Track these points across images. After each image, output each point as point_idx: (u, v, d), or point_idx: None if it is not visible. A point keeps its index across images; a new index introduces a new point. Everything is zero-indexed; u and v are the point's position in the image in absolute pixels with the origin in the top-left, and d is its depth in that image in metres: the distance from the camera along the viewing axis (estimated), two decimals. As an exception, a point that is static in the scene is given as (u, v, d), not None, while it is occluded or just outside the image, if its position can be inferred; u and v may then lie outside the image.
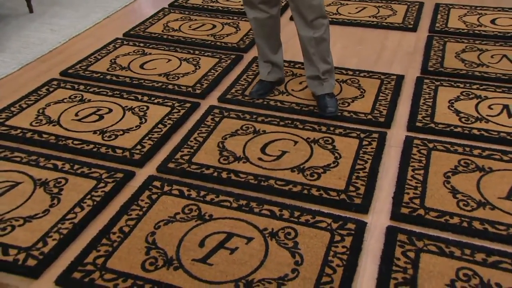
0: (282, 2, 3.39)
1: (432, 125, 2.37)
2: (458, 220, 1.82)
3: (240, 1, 3.93)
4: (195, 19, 3.66)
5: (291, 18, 3.41)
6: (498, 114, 2.46)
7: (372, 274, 1.63)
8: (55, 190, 1.99)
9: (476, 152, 2.19)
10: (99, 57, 3.11)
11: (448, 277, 1.60)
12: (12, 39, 3.32)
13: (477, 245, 1.72)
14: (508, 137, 2.28)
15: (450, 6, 3.76)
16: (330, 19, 3.56)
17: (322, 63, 2.40)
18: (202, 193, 1.97)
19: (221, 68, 2.94)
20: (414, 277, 1.60)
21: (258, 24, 2.46)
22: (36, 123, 2.44)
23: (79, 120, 2.47)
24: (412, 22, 3.52)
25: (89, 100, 2.64)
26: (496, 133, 2.31)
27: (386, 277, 1.60)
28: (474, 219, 1.83)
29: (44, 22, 3.60)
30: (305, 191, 1.97)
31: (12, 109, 2.55)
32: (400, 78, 2.79)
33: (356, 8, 3.80)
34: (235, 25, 3.54)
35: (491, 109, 2.51)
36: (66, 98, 2.65)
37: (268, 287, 1.56)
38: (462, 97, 2.60)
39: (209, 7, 3.87)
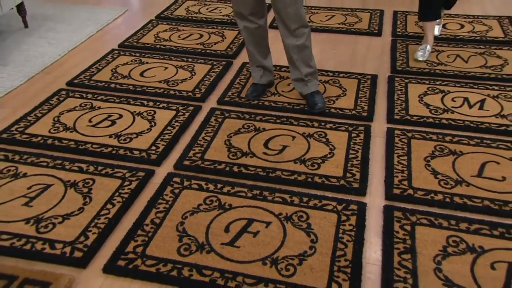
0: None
1: (408, 117, 2.52)
2: (441, 197, 1.97)
3: (221, 12, 4.01)
4: (183, 30, 3.70)
5: (273, 26, 3.52)
6: (461, 106, 2.63)
7: (377, 246, 1.75)
8: (85, 190, 2.02)
9: (447, 138, 2.35)
10: (100, 67, 3.11)
11: (441, 244, 1.74)
12: (13, 53, 3.26)
13: (459, 216, 1.88)
14: (472, 125, 2.45)
15: (406, 13, 3.94)
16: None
17: (305, 67, 2.50)
18: (219, 185, 2.04)
19: (215, 74, 3.01)
20: (413, 246, 1.73)
21: (249, 33, 2.54)
22: (54, 130, 2.44)
23: (93, 126, 2.48)
24: (376, 28, 3.67)
25: (99, 107, 2.65)
26: (461, 122, 2.47)
27: (390, 247, 1.72)
28: (455, 195, 1.98)
29: (40, 36, 3.53)
30: (309, 179, 2.07)
31: (29, 118, 2.53)
32: (374, 77, 2.93)
33: (326, 16, 3.93)
34: (221, 34, 3.60)
35: (454, 101, 2.67)
36: (77, 106, 2.65)
37: (292, 263, 1.66)
38: (429, 92, 2.77)
39: (194, 18, 3.91)
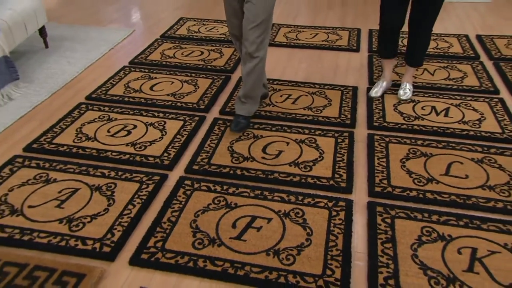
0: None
1: (385, 124, 2.58)
2: (415, 193, 2.04)
3: (218, 31, 4.04)
4: (185, 47, 3.72)
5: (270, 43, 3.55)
6: (429, 113, 2.69)
7: (363, 237, 1.82)
8: (109, 193, 2.05)
9: (419, 142, 2.41)
10: (114, 82, 3.12)
11: (416, 233, 1.81)
12: (37, 71, 3.25)
13: (431, 209, 1.95)
14: (439, 130, 2.52)
15: (381, 30, 4.02)
16: (294, 44, 3.76)
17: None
18: (225, 187, 2.08)
19: (216, 87, 3.04)
20: (393, 236, 1.80)
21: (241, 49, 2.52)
22: (78, 140, 2.46)
23: (112, 135, 2.50)
24: (355, 45, 3.72)
25: (116, 119, 2.67)
26: (430, 128, 2.54)
27: (374, 238, 1.80)
28: (427, 191, 2.05)
29: (60, 55, 3.52)
30: (303, 180, 2.12)
31: (55, 129, 2.55)
32: (355, 89, 2.99)
33: (311, 34, 3.98)
34: (219, 51, 3.63)
35: (424, 110, 2.73)
36: (96, 118, 2.67)
37: (291, 253, 1.72)
38: (402, 102, 2.82)
39: (194, 37, 3.93)
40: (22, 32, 3.17)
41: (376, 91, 2.80)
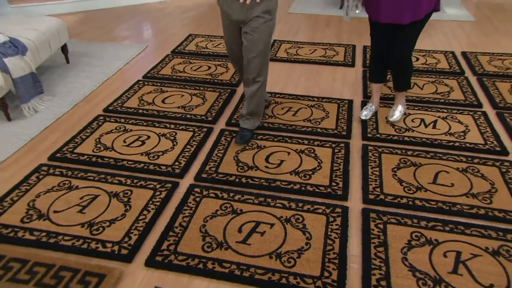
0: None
1: (378, 135, 2.61)
2: (405, 200, 2.08)
3: (224, 47, 4.08)
4: (194, 62, 3.77)
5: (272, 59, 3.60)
6: (419, 125, 2.72)
7: (358, 241, 1.86)
8: (125, 199, 2.10)
9: (409, 152, 2.45)
10: (129, 95, 3.17)
11: (406, 238, 1.85)
12: (59, 85, 3.30)
13: (420, 215, 1.99)
14: (427, 141, 2.55)
15: (374, 46, 4.06)
16: (294, 59, 3.80)
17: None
18: (231, 194, 2.12)
19: (222, 100, 3.08)
20: (385, 240, 1.84)
21: (241, 73, 2.57)
22: (96, 149, 2.50)
23: (128, 145, 2.54)
24: (350, 60, 3.76)
25: (131, 130, 2.71)
26: (419, 139, 2.57)
27: (367, 242, 1.84)
28: (416, 199, 2.09)
29: (80, 70, 3.57)
30: (303, 188, 2.16)
31: (76, 140, 2.59)
32: (350, 102, 3.02)
33: (310, 50, 4.02)
34: (225, 66, 3.68)
35: (413, 122, 2.76)
36: (113, 129, 2.71)
37: (292, 256, 1.76)
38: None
39: (203, 52, 3.97)
40: (46, 50, 3.23)
41: (366, 114, 2.76)
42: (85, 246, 1.82)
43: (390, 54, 2.59)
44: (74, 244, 1.83)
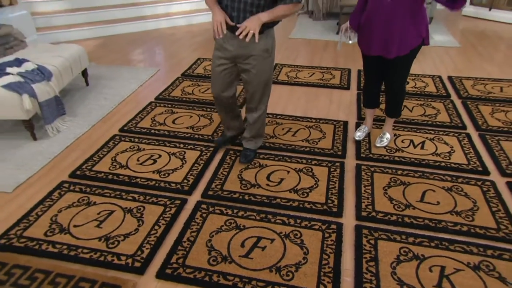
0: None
1: (371, 155, 2.65)
2: (395, 218, 2.11)
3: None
4: (202, 85, 3.83)
5: (276, 82, 3.65)
6: (408, 146, 2.75)
7: (351, 256, 1.89)
8: (138, 215, 2.14)
9: (399, 172, 2.48)
10: (142, 116, 3.23)
11: (395, 253, 1.88)
12: (80, 106, 3.37)
13: (408, 232, 2.01)
14: (416, 161, 2.58)
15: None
16: (294, 82, 3.86)
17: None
18: (235, 211, 2.16)
19: None
20: (376, 256, 1.87)
21: (220, 106, 2.51)
22: (113, 167, 2.55)
23: (141, 164, 2.59)
24: (346, 83, 3.82)
25: (144, 149, 2.76)
26: (408, 159, 2.60)
27: (359, 257, 1.87)
28: (405, 216, 2.12)
29: (98, 92, 3.65)
30: (301, 205, 2.19)
31: (94, 158, 2.65)
32: (345, 123, 3.06)
33: (308, 73, 4.08)
34: None
35: (403, 142, 2.80)
36: (128, 148, 2.76)
37: (291, 270, 1.80)
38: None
39: (210, 75, 4.00)
40: (69, 75, 3.31)
41: (359, 135, 2.80)
42: (102, 258, 1.86)
43: (382, 83, 2.65)
44: (92, 257, 1.87)
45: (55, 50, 3.40)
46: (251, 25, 1.97)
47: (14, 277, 1.76)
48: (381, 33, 2.32)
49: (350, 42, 2.55)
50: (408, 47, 2.32)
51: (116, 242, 1.96)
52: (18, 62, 2.98)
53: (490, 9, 5.70)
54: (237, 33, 1.99)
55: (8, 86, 2.68)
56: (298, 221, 2.08)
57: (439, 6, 6.19)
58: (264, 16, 2.03)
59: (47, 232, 2.04)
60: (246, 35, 1.97)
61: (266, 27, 2.14)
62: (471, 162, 2.56)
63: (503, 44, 4.86)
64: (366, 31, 2.41)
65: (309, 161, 2.60)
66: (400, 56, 2.36)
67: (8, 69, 2.84)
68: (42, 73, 2.91)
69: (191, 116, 3.23)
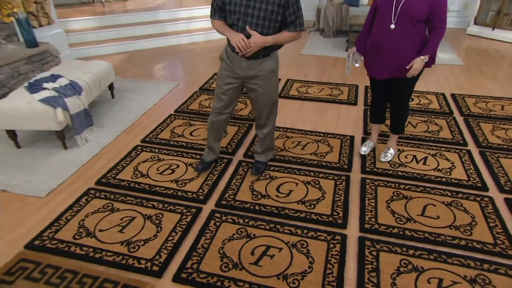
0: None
1: (375, 169, 2.66)
2: (397, 230, 2.12)
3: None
4: (218, 99, 3.90)
5: (283, 96, 3.70)
6: (411, 161, 2.76)
7: (354, 266, 1.91)
8: (157, 222, 2.20)
9: (402, 186, 2.49)
10: (163, 128, 3.29)
11: (396, 265, 1.89)
12: (106, 118, 3.48)
13: (408, 244, 2.02)
14: (418, 176, 2.58)
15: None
16: (304, 97, 3.90)
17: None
18: (246, 220, 2.20)
19: (241, 133, 3.17)
20: (378, 266, 1.89)
21: (213, 123, 2.51)
22: (135, 176, 2.62)
23: (160, 173, 2.65)
24: (353, 99, 3.84)
25: (163, 159, 2.82)
26: (411, 174, 2.61)
27: (362, 267, 1.89)
28: (406, 229, 2.12)
29: (122, 105, 3.75)
30: (308, 216, 2.22)
31: (118, 167, 2.72)
32: (352, 138, 3.07)
33: (318, 89, 4.11)
34: (244, 102, 3.75)
35: (406, 158, 2.80)
36: (148, 159, 2.83)
37: (297, 278, 1.83)
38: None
39: None
40: (97, 89, 3.43)
41: (365, 150, 2.83)
42: (123, 261, 1.93)
43: (387, 102, 2.67)
44: (115, 260, 1.94)
45: (86, 67, 3.53)
46: (258, 43, 2.05)
47: (46, 276, 1.84)
48: (385, 57, 2.35)
49: (357, 65, 2.59)
50: (407, 70, 2.34)
51: (136, 247, 2.02)
52: (53, 78, 3.11)
53: (493, 29, 5.65)
54: (243, 49, 2.06)
55: (44, 100, 2.80)
56: (305, 231, 2.11)
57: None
58: (270, 40, 2.09)
59: (75, 235, 2.12)
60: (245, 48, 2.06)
61: (272, 50, 2.20)
62: (471, 178, 2.56)
63: (505, 63, 4.82)
64: (371, 56, 2.45)
65: (317, 174, 2.63)
66: (403, 78, 2.38)
67: (45, 85, 2.97)
68: (74, 88, 3.03)
69: (207, 129, 3.27)
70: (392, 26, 2.25)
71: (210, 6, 2.75)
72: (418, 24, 2.20)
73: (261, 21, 2.04)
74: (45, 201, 2.42)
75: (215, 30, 2.23)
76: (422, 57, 2.25)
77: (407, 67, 2.30)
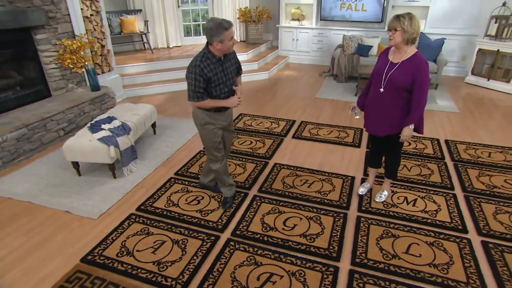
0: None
1: (370, 208, 2.75)
2: (383, 266, 2.20)
3: (264, 125, 4.40)
4: (241, 137, 4.03)
5: (295, 137, 3.88)
6: (402, 202, 2.83)
7: (342, 296, 2.03)
8: (183, 246, 2.40)
9: (391, 225, 2.57)
10: (193, 163, 3.52)
11: (379, 298, 2.00)
12: (147, 152, 3.78)
13: (391, 279, 2.10)
14: (407, 217, 2.64)
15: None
16: (315, 138, 4.02)
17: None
18: (255, 249, 2.35)
19: (258, 170, 3.37)
20: (362, 298, 2.00)
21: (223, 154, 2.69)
22: (167, 205, 2.85)
23: (188, 203, 2.87)
24: (357, 142, 3.92)
25: (191, 191, 3.05)
26: (401, 214, 2.68)
27: (349, 298, 2.01)
28: (391, 265, 2.21)
29: (162, 140, 4.04)
30: (308, 249, 2.34)
31: (154, 196, 2.97)
32: (353, 178, 3.19)
33: (327, 131, 4.22)
34: (262, 141, 3.95)
35: (398, 199, 2.87)
36: (179, 190, 3.06)
37: (293, 303, 1.97)
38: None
39: (248, 129, 4.23)
40: (142, 128, 3.78)
41: (363, 191, 2.92)
42: (154, 279, 2.14)
43: (382, 152, 2.81)
44: (147, 277, 2.15)
45: (134, 109, 3.90)
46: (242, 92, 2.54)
47: (95, 286, 2.08)
48: (377, 116, 2.53)
49: (357, 117, 2.76)
50: (396, 127, 2.47)
51: (165, 267, 2.23)
52: (109, 120, 3.48)
53: (488, 80, 5.66)
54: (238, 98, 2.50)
55: (101, 139, 3.15)
56: (304, 262, 2.23)
57: (444, 73, 6.23)
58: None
59: (118, 253, 2.36)
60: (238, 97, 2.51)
61: None
62: (454, 221, 2.61)
63: (497, 112, 4.80)
64: (366, 113, 2.63)
65: (319, 210, 2.75)
66: (392, 134, 2.53)
67: (102, 126, 3.34)
68: (124, 129, 3.38)
69: (229, 165, 3.49)
70: (381, 89, 2.43)
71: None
72: (402, 92, 2.37)
73: (232, 79, 2.44)
74: (97, 222, 2.70)
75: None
76: (408, 126, 2.38)
77: (400, 137, 2.43)
